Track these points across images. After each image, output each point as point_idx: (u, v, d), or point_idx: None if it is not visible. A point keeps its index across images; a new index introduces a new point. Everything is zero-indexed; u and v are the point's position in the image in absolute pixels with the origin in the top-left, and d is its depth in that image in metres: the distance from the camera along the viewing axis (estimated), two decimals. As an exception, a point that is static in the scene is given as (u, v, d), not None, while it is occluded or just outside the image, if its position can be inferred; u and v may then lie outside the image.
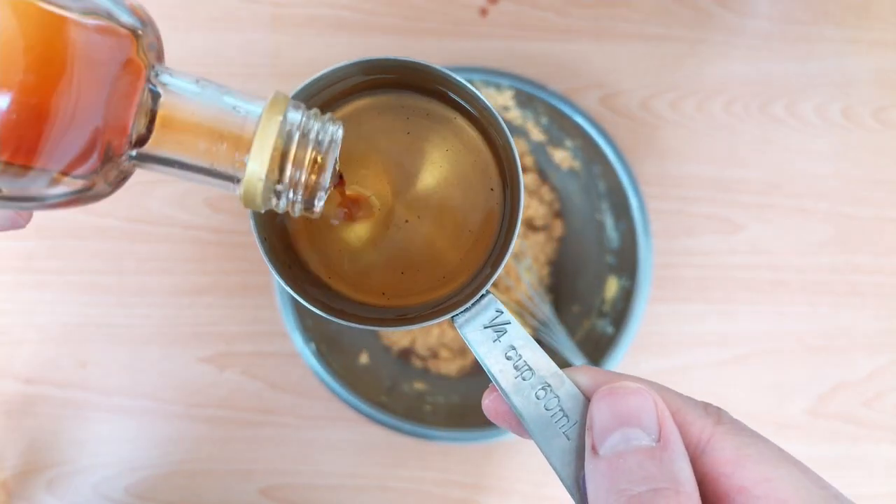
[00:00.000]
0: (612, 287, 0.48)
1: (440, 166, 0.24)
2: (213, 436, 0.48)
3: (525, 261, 0.49)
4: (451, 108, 0.24)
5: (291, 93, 0.22)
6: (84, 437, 0.48)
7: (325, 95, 0.23)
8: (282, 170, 0.19)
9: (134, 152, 0.18)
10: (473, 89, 0.22)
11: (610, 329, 0.47)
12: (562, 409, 0.20)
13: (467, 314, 0.22)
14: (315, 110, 0.20)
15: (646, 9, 0.52)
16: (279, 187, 0.19)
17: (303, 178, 0.19)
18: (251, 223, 0.22)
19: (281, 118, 0.19)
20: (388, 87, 0.24)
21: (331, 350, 0.47)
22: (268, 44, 0.51)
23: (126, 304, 0.49)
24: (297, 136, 0.19)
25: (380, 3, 0.52)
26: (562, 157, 0.50)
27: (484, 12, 0.52)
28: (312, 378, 0.48)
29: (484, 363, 0.21)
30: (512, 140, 0.22)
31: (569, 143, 0.49)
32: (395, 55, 0.22)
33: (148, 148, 0.18)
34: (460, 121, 0.24)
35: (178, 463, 0.48)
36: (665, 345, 0.50)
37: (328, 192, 0.20)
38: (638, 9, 0.52)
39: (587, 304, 0.49)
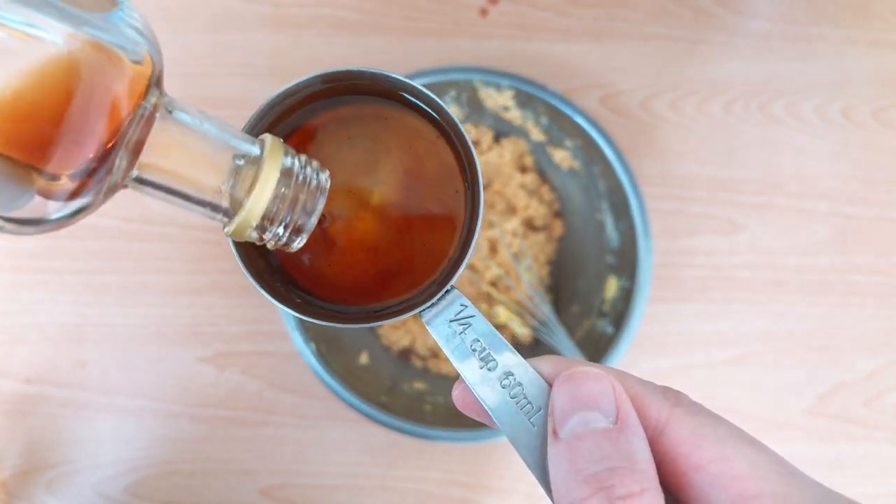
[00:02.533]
0: (612, 287, 0.48)
1: (406, 171, 0.25)
2: (213, 436, 0.48)
3: (525, 261, 0.49)
4: (413, 113, 0.25)
5: (254, 113, 0.23)
6: (84, 437, 0.48)
7: (287, 105, 0.24)
8: (276, 212, 0.21)
9: (135, 175, 0.20)
10: (430, 94, 0.23)
11: (610, 329, 0.47)
12: (526, 398, 0.21)
13: (433, 310, 0.22)
14: (305, 157, 0.21)
15: (646, 9, 0.52)
16: (269, 227, 0.21)
17: (292, 222, 0.21)
18: (231, 242, 0.23)
19: (280, 166, 0.20)
20: (351, 96, 0.25)
21: (331, 350, 0.47)
22: (268, 44, 0.51)
23: (125, 303, 0.49)
24: (292, 184, 0.21)
25: (380, 3, 0.52)
26: (562, 157, 0.50)
27: (484, 12, 0.52)
28: (312, 378, 0.48)
29: (450, 356, 0.22)
30: (470, 142, 0.23)
31: (569, 143, 0.49)
32: (357, 66, 0.23)
33: (148, 174, 0.20)
34: (423, 125, 0.25)
35: (178, 463, 0.48)
36: (665, 345, 0.50)
37: (310, 233, 0.22)
38: (638, 9, 0.52)
39: (587, 304, 0.49)
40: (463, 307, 0.22)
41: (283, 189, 0.20)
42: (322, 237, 0.25)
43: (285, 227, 0.21)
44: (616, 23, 0.52)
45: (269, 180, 0.20)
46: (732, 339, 0.50)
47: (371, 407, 0.45)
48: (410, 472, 0.49)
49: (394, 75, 0.23)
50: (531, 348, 0.50)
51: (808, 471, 0.19)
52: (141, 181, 0.20)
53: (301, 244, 0.22)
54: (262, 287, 0.23)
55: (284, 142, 0.22)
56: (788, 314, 0.50)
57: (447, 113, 0.23)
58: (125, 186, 0.20)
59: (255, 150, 0.20)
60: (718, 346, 0.50)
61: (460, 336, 0.22)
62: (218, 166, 0.20)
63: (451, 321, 0.22)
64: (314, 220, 0.21)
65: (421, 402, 0.48)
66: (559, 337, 0.48)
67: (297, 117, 0.24)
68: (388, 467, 0.49)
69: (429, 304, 0.22)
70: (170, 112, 0.19)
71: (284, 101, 0.23)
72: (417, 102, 0.24)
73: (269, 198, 0.20)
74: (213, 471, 0.48)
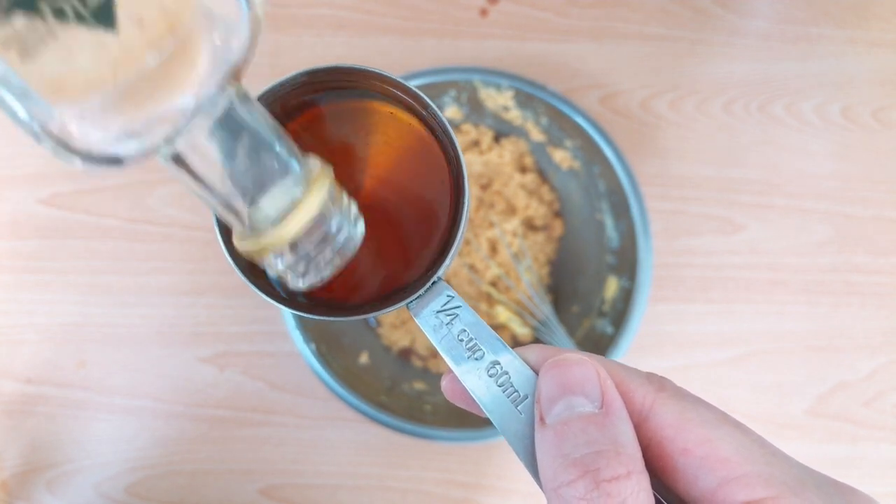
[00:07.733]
0: (612, 287, 0.48)
1: (393, 165, 0.25)
2: (213, 436, 0.48)
3: (525, 261, 0.49)
4: (400, 108, 0.25)
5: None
6: (84, 437, 0.48)
7: (276, 106, 0.24)
8: (297, 248, 0.20)
9: (176, 150, 0.18)
10: (416, 90, 0.23)
11: (610, 329, 0.47)
12: (513, 386, 0.21)
13: (420, 301, 0.23)
14: (348, 199, 0.21)
15: (646, 9, 0.52)
16: (287, 258, 0.20)
17: (304, 266, 0.20)
18: (215, 224, 0.23)
19: (323, 198, 0.19)
20: (338, 92, 0.25)
21: (331, 350, 0.47)
22: (268, 44, 0.51)
23: (126, 304, 0.49)
24: (332, 228, 0.20)
25: (380, 3, 0.52)
26: (562, 157, 0.50)
27: (484, 12, 0.52)
28: (312, 378, 0.48)
29: (438, 346, 0.22)
30: (453, 134, 0.23)
31: (569, 143, 0.49)
32: (346, 63, 0.23)
33: (187, 153, 0.18)
34: (410, 120, 0.25)
35: (178, 463, 0.48)
36: (665, 345, 0.50)
37: (322, 282, 0.21)
38: (638, 9, 0.52)
39: (587, 304, 0.49)
40: (450, 298, 0.22)
41: (316, 233, 0.19)
42: None
43: (302, 267, 0.20)
44: (616, 23, 0.52)
45: (308, 211, 0.19)
46: (732, 339, 0.50)
47: (371, 407, 0.45)
48: (410, 472, 0.49)
49: (378, 70, 0.23)
50: (531, 348, 0.50)
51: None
52: (178, 161, 0.18)
53: (302, 287, 0.21)
54: (249, 280, 0.23)
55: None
56: (788, 314, 0.50)
57: (433, 108, 0.23)
58: (163, 152, 0.17)
59: (296, 168, 0.19)
60: (718, 346, 0.50)
61: (447, 326, 0.22)
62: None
63: (437, 312, 0.22)
64: (328, 274, 0.21)
65: (421, 401, 0.48)
66: (559, 337, 0.48)
67: (285, 115, 0.24)
68: (388, 467, 0.49)
69: (415, 295, 0.23)
70: (242, 101, 0.18)
71: (271, 99, 0.23)
72: (404, 98, 0.24)
73: (301, 230, 0.19)
74: (213, 471, 0.48)
